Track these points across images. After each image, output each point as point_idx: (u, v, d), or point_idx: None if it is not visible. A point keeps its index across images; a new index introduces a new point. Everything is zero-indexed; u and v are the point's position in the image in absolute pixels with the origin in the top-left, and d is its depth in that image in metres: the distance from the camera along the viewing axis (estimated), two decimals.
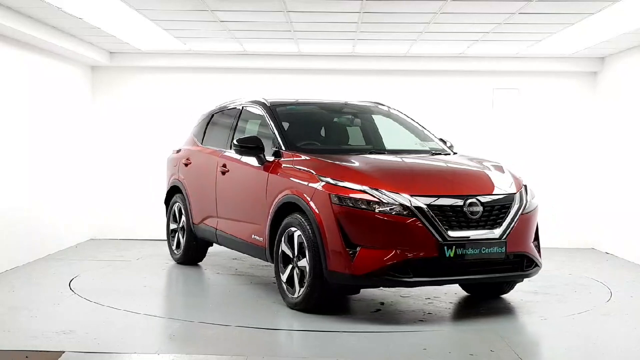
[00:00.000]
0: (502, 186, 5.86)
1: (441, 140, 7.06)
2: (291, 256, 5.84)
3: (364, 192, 5.44)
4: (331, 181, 5.58)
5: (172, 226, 8.40)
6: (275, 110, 6.81)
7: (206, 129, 8.08)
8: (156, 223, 10.40)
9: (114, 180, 10.48)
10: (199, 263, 8.24)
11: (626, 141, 9.32)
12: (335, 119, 7.31)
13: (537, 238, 6.01)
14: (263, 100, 7.06)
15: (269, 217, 6.11)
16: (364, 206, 5.39)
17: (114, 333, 5.23)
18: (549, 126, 10.46)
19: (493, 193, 5.72)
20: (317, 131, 7.07)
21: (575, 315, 5.96)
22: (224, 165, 7.14)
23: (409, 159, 6.37)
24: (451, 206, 5.46)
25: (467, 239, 5.44)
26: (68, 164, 9.60)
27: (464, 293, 6.80)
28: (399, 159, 6.30)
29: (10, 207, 7.87)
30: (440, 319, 5.77)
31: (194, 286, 7.21)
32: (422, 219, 5.35)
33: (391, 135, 7.20)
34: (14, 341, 4.91)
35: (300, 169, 5.94)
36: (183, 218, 8.08)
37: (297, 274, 5.78)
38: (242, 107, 7.40)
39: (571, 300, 6.59)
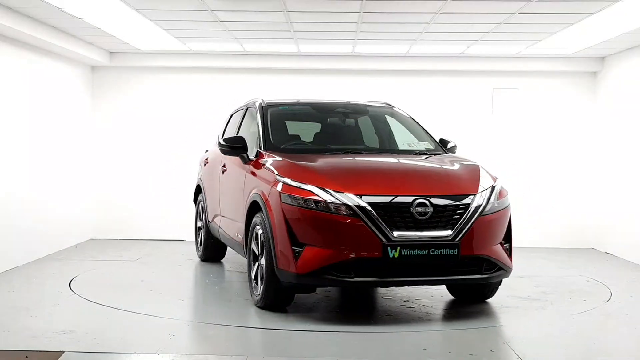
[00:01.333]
0: (462, 187, 5.65)
1: (441, 140, 6.96)
2: (257, 254, 5.91)
3: (311, 191, 5.44)
4: (285, 180, 5.63)
5: (198, 224, 8.72)
6: (265, 111, 6.88)
7: (225, 128, 8.22)
8: (156, 223, 10.41)
9: (114, 180, 10.48)
10: (222, 260, 8.42)
11: (626, 141, 9.32)
12: (328, 120, 7.28)
13: (508, 240, 5.81)
14: (260, 101, 7.13)
15: (244, 215, 6.23)
16: (309, 205, 5.40)
17: (114, 333, 5.23)
18: (549, 126, 10.46)
19: (447, 194, 5.52)
20: (305, 131, 7.08)
21: (575, 315, 5.96)
22: (224, 165, 7.24)
23: (380, 160, 6.26)
24: (397, 206, 5.36)
25: (414, 239, 5.31)
26: (68, 164, 9.59)
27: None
28: (366, 159, 6.23)
29: (10, 206, 7.87)
30: (440, 319, 5.77)
31: (194, 286, 7.21)
32: (365, 219, 5.29)
33: (385, 134, 7.14)
34: (14, 341, 4.91)
35: (267, 168, 6.01)
36: (204, 216, 8.33)
37: (259, 272, 5.85)
38: (247, 108, 7.48)
39: (571, 300, 6.59)
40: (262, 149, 6.39)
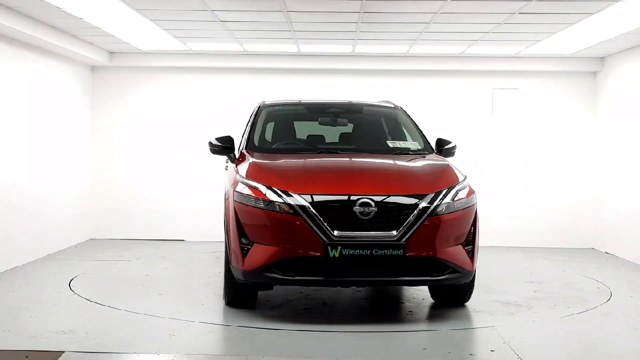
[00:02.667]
0: (413, 187, 5.53)
1: (439, 140, 6.77)
2: None
3: (259, 191, 5.49)
4: (240, 180, 5.71)
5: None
6: (260, 111, 6.99)
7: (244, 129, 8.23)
8: (156, 223, 10.41)
9: (113, 180, 10.49)
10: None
11: (626, 141, 9.33)
12: (319, 119, 7.27)
13: (470, 242, 5.64)
14: (261, 101, 7.23)
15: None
16: (257, 204, 5.46)
17: (114, 333, 5.23)
18: (549, 126, 10.46)
19: (394, 194, 5.43)
20: (293, 131, 7.09)
21: (575, 315, 5.96)
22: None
23: (343, 160, 6.21)
24: (340, 206, 5.32)
25: (355, 239, 5.26)
26: (68, 163, 9.60)
27: None
28: (328, 160, 6.21)
29: (10, 206, 7.87)
30: (440, 319, 5.77)
31: (194, 286, 7.20)
32: (306, 218, 5.28)
33: (376, 134, 7.06)
34: (14, 341, 4.91)
35: (236, 167, 6.08)
36: None
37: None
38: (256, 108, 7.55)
39: (571, 300, 6.59)
40: (245, 148, 6.48)
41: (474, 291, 6.48)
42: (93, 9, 7.39)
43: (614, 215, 9.65)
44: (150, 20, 7.83)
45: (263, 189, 5.49)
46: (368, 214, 5.29)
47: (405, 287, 7.02)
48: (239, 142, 7.04)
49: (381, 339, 5.15)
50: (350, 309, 6.10)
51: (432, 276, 5.43)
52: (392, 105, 7.37)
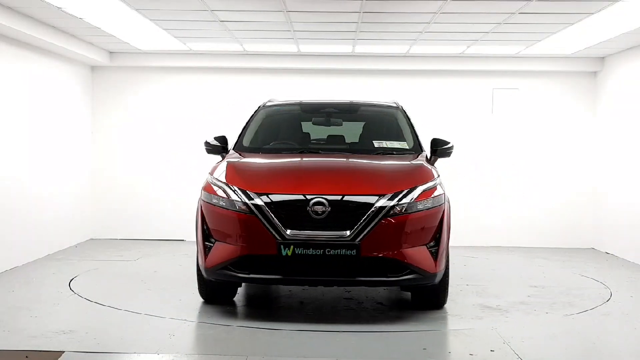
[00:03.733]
0: (371, 187, 5.49)
1: (434, 140, 6.67)
2: None
3: (222, 190, 5.60)
4: (208, 178, 5.87)
5: None
6: (258, 110, 7.12)
7: None
8: (156, 223, 10.41)
9: (113, 180, 10.49)
10: None
11: (626, 141, 9.33)
12: (313, 119, 7.29)
13: (436, 243, 5.54)
14: (266, 100, 7.30)
15: None
16: (218, 203, 5.59)
17: (114, 333, 5.23)
18: (549, 126, 10.46)
19: (349, 194, 5.40)
20: (286, 131, 7.13)
21: (575, 315, 5.96)
22: None
23: (312, 160, 6.23)
24: (294, 205, 5.35)
25: (308, 238, 5.27)
26: (68, 163, 9.60)
27: (463, 294, 6.81)
28: (300, 160, 6.24)
29: (10, 206, 7.87)
30: (440, 319, 5.77)
31: (195, 286, 7.19)
32: (261, 218, 5.33)
33: (367, 134, 7.02)
34: (14, 341, 4.91)
35: (214, 167, 6.17)
36: None
37: None
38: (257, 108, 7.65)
39: (571, 299, 6.59)
40: (233, 148, 6.60)
41: (472, 291, 6.50)
42: (93, 9, 7.39)
43: (614, 215, 9.65)
44: (150, 20, 7.83)
45: (225, 188, 5.60)
46: (321, 213, 5.30)
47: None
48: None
49: (381, 339, 5.15)
50: (350, 309, 6.09)
51: (387, 277, 5.36)
52: (393, 105, 7.31)
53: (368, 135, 7.00)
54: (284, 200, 5.38)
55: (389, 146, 6.56)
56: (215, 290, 6.08)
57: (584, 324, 5.73)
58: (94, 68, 10.41)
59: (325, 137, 7.13)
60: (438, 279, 5.63)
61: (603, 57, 10.01)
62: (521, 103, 10.46)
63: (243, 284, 6.52)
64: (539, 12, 7.13)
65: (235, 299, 6.37)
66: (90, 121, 10.40)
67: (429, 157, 6.55)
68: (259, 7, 7.20)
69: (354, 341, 5.10)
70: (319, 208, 5.31)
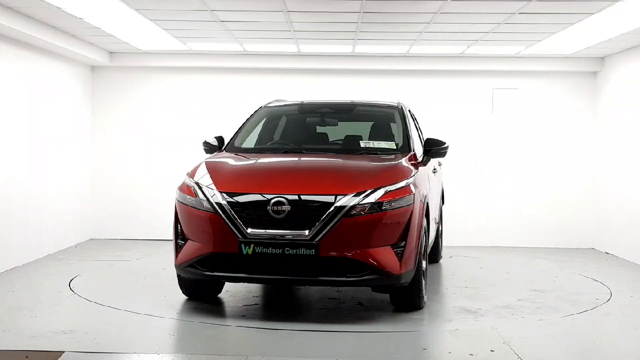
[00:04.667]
0: (332, 187, 5.48)
1: (428, 140, 6.63)
2: None
3: (191, 187, 5.75)
4: (184, 177, 5.98)
5: None
6: (257, 111, 7.27)
7: None
8: (156, 223, 10.40)
9: (113, 180, 10.49)
10: None
11: (626, 141, 9.33)
12: (307, 120, 7.34)
13: (402, 244, 5.48)
14: (270, 100, 7.48)
15: None
16: (187, 202, 5.72)
17: (114, 333, 5.23)
18: (549, 126, 10.46)
19: (310, 193, 5.42)
20: (279, 132, 7.20)
21: (575, 315, 5.96)
22: None
23: (287, 160, 6.29)
24: (255, 204, 5.41)
25: (267, 237, 5.33)
26: (68, 163, 9.59)
27: (463, 294, 6.81)
28: (273, 160, 6.28)
29: (10, 206, 7.87)
30: (440, 319, 5.77)
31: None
32: (223, 216, 5.42)
33: (357, 134, 7.03)
34: (14, 341, 4.91)
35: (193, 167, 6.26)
36: None
37: None
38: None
39: (571, 299, 6.59)
40: (224, 148, 6.73)
41: (472, 291, 6.50)
42: (93, 9, 7.39)
43: (614, 215, 9.65)
44: (150, 20, 7.83)
45: (195, 187, 5.73)
46: (281, 212, 5.34)
47: None
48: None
49: (381, 339, 5.15)
50: (350, 309, 6.09)
51: (347, 277, 5.35)
52: (393, 105, 7.27)
53: (357, 135, 7.01)
54: (245, 199, 5.47)
55: (376, 146, 6.56)
56: (194, 287, 6.17)
57: (584, 324, 5.73)
58: (94, 68, 10.41)
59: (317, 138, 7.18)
60: (405, 280, 5.56)
61: (603, 57, 10.00)
62: (521, 103, 10.46)
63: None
64: (539, 12, 7.13)
65: (234, 299, 6.37)
66: (90, 121, 10.40)
67: (419, 157, 6.52)
68: (259, 7, 7.20)
69: (354, 341, 5.10)
70: (278, 207, 5.35)
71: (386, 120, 7.14)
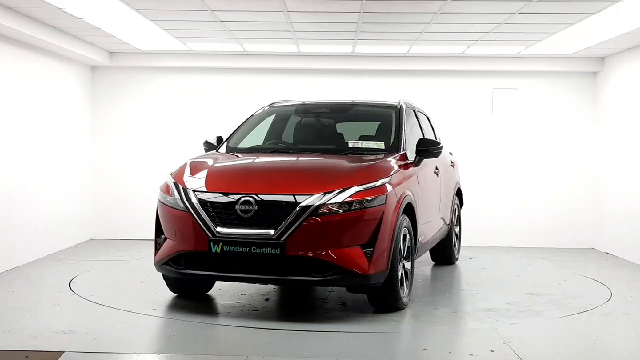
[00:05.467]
0: (300, 187, 5.51)
1: (421, 140, 6.65)
2: None
3: (170, 187, 5.89)
4: (167, 176, 6.12)
5: None
6: (258, 111, 7.38)
7: None
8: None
9: (113, 180, 10.48)
10: None
11: (626, 141, 9.32)
12: (302, 120, 7.36)
13: (371, 244, 5.45)
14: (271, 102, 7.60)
15: None
16: (165, 200, 5.87)
17: (114, 333, 5.23)
18: (549, 126, 10.46)
19: (277, 193, 5.47)
20: (275, 132, 7.24)
21: (575, 315, 5.96)
22: None
23: (264, 160, 6.33)
24: (223, 203, 5.52)
25: (235, 236, 5.40)
26: (68, 163, 9.59)
27: (462, 294, 6.81)
28: (247, 160, 6.34)
29: (10, 206, 7.87)
30: (440, 319, 5.77)
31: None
32: (194, 215, 5.55)
33: (349, 134, 7.04)
34: (14, 341, 4.91)
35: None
36: None
37: None
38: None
39: (571, 300, 6.59)
40: (218, 148, 6.85)
41: (472, 291, 6.51)
42: (93, 9, 7.39)
43: (614, 215, 9.65)
44: (150, 20, 7.83)
45: (172, 186, 5.86)
46: (248, 212, 5.43)
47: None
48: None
49: (381, 339, 5.15)
50: (350, 309, 6.09)
51: (312, 276, 5.37)
52: (392, 105, 7.18)
53: (350, 135, 7.01)
54: (215, 199, 5.57)
55: (364, 146, 6.55)
56: (179, 284, 6.28)
57: (584, 324, 5.73)
58: (94, 68, 10.41)
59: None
60: (376, 280, 5.54)
61: (603, 57, 10.00)
62: (521, 103, 10.45)
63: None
64: (539, 12, 7.13)
65: (234, 298, 6.37)
66: (91, 121, 10.40)
67: (411, 157, 6.49)
68: (259, 7, 7.20)
69: (354, 341, 5.10)
70: (246, 207, 5.44)
71: (382, 120, 7.09)
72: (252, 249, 5.36)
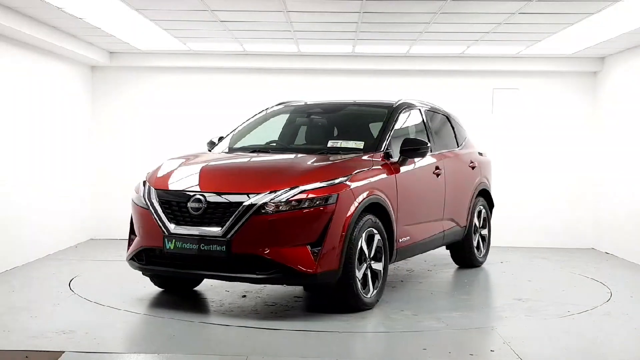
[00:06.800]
0: (247, 186, 5.62)
1: (406, 140, 6.57)
2: None
3: (139, 186, 6.13)
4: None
5: None
6: (262, 111, 7.50)
7: None
8: None
9: (114, 180, 10.48)
10: None
11: (626, 141, 9.32)
12: (297, 120, 7.39)
13: (319, 243, 5.45)
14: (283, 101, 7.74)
15: None
16: (135, 199, 6.08)
17: (114, 333, 5.23)
18: (549, 126, 10.46)
19: (225, 191, 5.59)
20: (272, 132, 7.32)
21: (575, 315, 5.96)
22: None
23: (247, 158, 6.45)
24: (177, 202, 5.71)
25: (186, 234, 5.58)
26: (68, 163, 9.59)
27: (462, 294, 6.81)
28: (213, 159, 6.44)
29: (9, 207, 7.87)
30: (440, 319, 5.77)
31: (195, 285, 7.20)
32: (153, 212, 5.78)
33: (333, 133, 7.05)
34: (14, 341, 4.91)
35: None
36: None
37: None
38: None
39: (571, 300, 6.59)
40: (213, 149, 7.06)
41: (472, 291, 6.51)
42: (93, 9, 7.39)
43: (614, 215, 9.65)
44: (150, 20, 7.83)
45: (141, 185, 6.13)
46: (198, 209, 5.58)
47: (406, 287, 7.03)
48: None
49: (381, 339, 5.15)
50: (349, 309, 6.09)
51: (255, 274, 5.47)
52: (388, 105, 7.09)
53: (336, 134, 7.01)
54: (171, 197, 5.79)
55: (343, 145, 6.53)
56: (164, 280, 6.50)
57: (584, 324, 5.73)
58: (94, 68, 10.41)
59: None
60: (323, 280, 5.54)
61: (603, 57, 10.00)
62: (521, 103, 10.46)
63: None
64: (539, 12, 7.13)
65: (233, 298, 6.37)
66: (90, 121, 10.40)
67: (395, 157, 6.43)
68: (259, 7, 7.20)
69: (354, 341, 5.10)
70: (196, 205, 5.60)
71: (371, 119, 7.04)
72: (201, 246, 5.50)
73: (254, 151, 6.67)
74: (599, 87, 10.24)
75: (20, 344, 4.82)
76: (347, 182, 5.72)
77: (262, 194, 5.50)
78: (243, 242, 5.43)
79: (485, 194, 8.55)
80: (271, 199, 5.47)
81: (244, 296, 6.45)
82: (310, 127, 7.32)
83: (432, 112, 7.79)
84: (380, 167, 6.21)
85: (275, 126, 7.41)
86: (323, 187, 5.60)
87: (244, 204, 5.47)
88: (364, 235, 5.79)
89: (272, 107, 7.60)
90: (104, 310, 5.92)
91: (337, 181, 5.68)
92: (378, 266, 6.02)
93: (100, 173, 10.47)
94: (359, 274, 5.77)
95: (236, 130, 7.30)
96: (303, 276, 5.46)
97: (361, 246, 5.76)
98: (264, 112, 7.51)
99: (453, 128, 8.15)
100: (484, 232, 8.52)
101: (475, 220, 8.21)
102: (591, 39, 8.58)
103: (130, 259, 6.06)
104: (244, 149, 6.84)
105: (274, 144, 7.06)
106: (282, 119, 7.48)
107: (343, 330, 5.31)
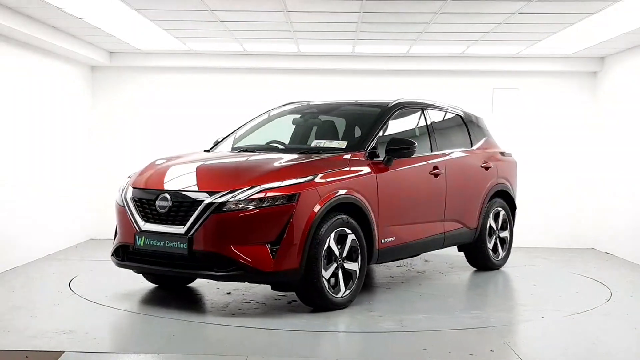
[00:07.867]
0: (208, 184, 5.77)
1: (392, 139, 6.47)
2: None
3: (122, 184, 6.33)
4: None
5: None
6: (266, 112, 7.56)
7: None
8: None
9: (113, 180, 10.46)
10: None
11: (626, 141, 9.32)
12: (294, 121, 7.42)
13: (277, 242, 5.49)
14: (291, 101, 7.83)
15: None
16: (117, 197, 6.29)
17: (114, 333, 5.23)
18: (549, 126, 10.46)
19: (187, 190, 5.76)
20: (277, 131, 7.38)
21: (575, 315, 5.96)
22: None
23: (231, 157, 6.54)
24: (147, 200, 5.89)
25: (154, 231, 5.76)
26: (68, 163, 9.59)
27: (462, 294, 6.81)
28: (194, 158, 6.53)
29: (10, 206, 7.87)
30: (440, 319, 5.77)
31: (194, 286, 7.20)
32: (127, 209, 6.01)
33: (322, 133, 7.04)
34: (14, 341, 4.91)
35: None
36: None
37: None
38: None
39: (571, 300, 6.59)
40: (210, 149, 7.21)
41: (471, 291, 6.50)
42: (93, 9, 7.39)
43: (614, 215, 9.65)
44: (150, 20, 7.83)
45: (123, 184, 6.33)
46: (164, 207, 5.74)
47: (406, 287, 7.03)
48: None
49: (381, 339, 5.15)
50: (350, 309, 6.09)
51: (215, 271, 5.56)
52: (382, 104, 7.03)
53: (322, 135, 7.00)
54: (142, 195, 5.97)
55: (326, 145, 6.54)
56: (155, 277, 6.66)
57: (584, 324, 5.73)
58: (94, 68, 10.41)
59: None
60: (282, 278, 5.61)
61: (603, 57, 10.00)
62: (521, 103, 10.46)
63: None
64: (539, 12, 7.13)
65: (234, 298, 6.37)
66: (90, 121, 10.40)
67: (380, 157, 6.38)
68: (259, 7, 7.20)
69: (354, 341, 5.10)
70: (162, 203, 5.77)
71: (362, 119, 6.97)
72: (166, 243, 5.65)
73: (240, 151, 6.78)
74: (599, 87, 10.24)
75: (20, 344, 4.82)
76: (314, 181, 5.72)
77: (222, 193, 5.60)
78: (203, 239, 5.55)
79: (504, 195, 8.23)
80: (230, 198, 5.56)
81: (229, 293, 6.53)
82: (301, 127, 7.36)
83: (440, 111, 7.69)
84: (359, 166, 6.17)
85: (277, 126, 7.42)
86: (283, 186, 5.63)
87: (204, 202, 5.58)
88: (332, 234, 5.77)
89: (276, 107, 7.69)
90: (104, 310, 5.92)
91: (299, 180, 5.68)
92: (352, 266, 5.97)
93: (100, 173, 10.46)
94: (326, 274, 5.75)
95: (238, 130, 7.41)
96: (261, 274, 5.53)
97: (329, 245, 5.75)
98: (265, 113, 7.62)
99: (467, 128, 8.04)
100: (504, 234, 8.20)
101: (492, 223, 7.93)
102: (591, 39, 8.58)
103: (111, 255, 6.26)
104: (239, 149, 6.93)
105: (265, 144, 7.01)
106: (284, 119, 7.48)
107: (343, 331, 5.31)
